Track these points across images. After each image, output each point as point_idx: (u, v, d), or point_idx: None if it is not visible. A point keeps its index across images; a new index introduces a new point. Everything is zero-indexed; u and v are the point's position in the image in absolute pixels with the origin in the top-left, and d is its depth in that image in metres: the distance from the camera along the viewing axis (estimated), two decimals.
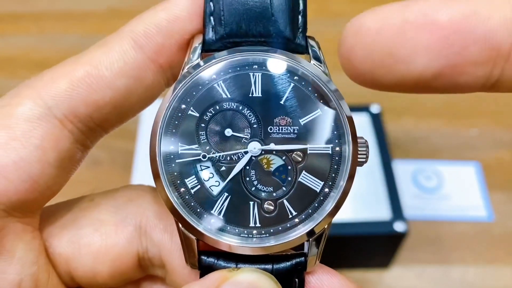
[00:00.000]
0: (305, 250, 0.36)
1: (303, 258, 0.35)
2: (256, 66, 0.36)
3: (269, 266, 0.35)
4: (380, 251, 0.89)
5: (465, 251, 0.93)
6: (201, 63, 0.36)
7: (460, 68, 0.26)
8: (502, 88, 0.27)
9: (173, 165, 0.35)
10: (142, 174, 0.90)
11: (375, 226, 0.83)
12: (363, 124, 0.96)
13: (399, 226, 0.82)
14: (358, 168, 0.36)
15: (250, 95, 0.36)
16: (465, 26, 0.26)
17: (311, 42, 0.37)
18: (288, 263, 0.35)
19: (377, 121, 0.96)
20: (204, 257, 0.35)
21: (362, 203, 0.86)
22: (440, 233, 0.95)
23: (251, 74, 0.36)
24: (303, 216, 0.35)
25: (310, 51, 0.36)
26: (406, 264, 0.92)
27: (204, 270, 0.35)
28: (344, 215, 0.84)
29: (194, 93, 0.36)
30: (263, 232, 0.35)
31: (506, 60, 0.26)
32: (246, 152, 0.36)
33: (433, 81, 0.27)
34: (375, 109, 0.98)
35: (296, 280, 0.35)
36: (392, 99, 1.06)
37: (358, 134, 0.36)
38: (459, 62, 0.26)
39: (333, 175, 0.35)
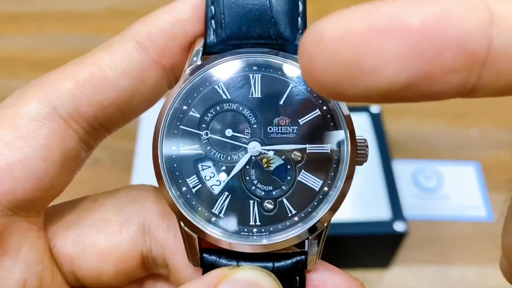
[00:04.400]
0: (306, 248, 0.36)
1: (303, 256, 0.36)
2: (256, 68, 0.36)
3: (269, 264, 0.35)
4: (380, 251, 0.89)
5: (465, 251, 0.93)
6: (202, 65, 0.36)
7: (432, 76, 0.23)
8: (479, 94, 0.24)
9: (174, 165, 0.36)
10: (142, 174, 0.90)
11: (375, 226, 0.83)
12: (363, 124, 0.96)
13: (399, 226, 0.82)
14: (358, 167, 0.36)
15: (250, 96, 0.36)
16: (437, 30, 0.22)
17: None
18: (289, 261, 0.36)
19: (377, 121, 0.96)
20: (206, 255, 0.36)
21: (362, 203, 0.86)
22: (440, 233, 0.95)
23: (251, 75, 0.36)
24: (303, 215, 0.36)
25: None
26: (406, 264, 0.91)
27: (207, 268, 0.36)
28: (344, 215, 0.84)
29: (195, 94, 0.36)
30: (263, 230, 0.36)
31: (483, 66, 0.23)
32: (246, 152, 0.36)
33: (404, 92, 0.24)
34: (375, 109, 0.98)
35: (297, 278, 0.36)
36: None
37: (357, 134, 0.36)
38: (432, 71, 0.23)
39: (332, 174, 0.36)
